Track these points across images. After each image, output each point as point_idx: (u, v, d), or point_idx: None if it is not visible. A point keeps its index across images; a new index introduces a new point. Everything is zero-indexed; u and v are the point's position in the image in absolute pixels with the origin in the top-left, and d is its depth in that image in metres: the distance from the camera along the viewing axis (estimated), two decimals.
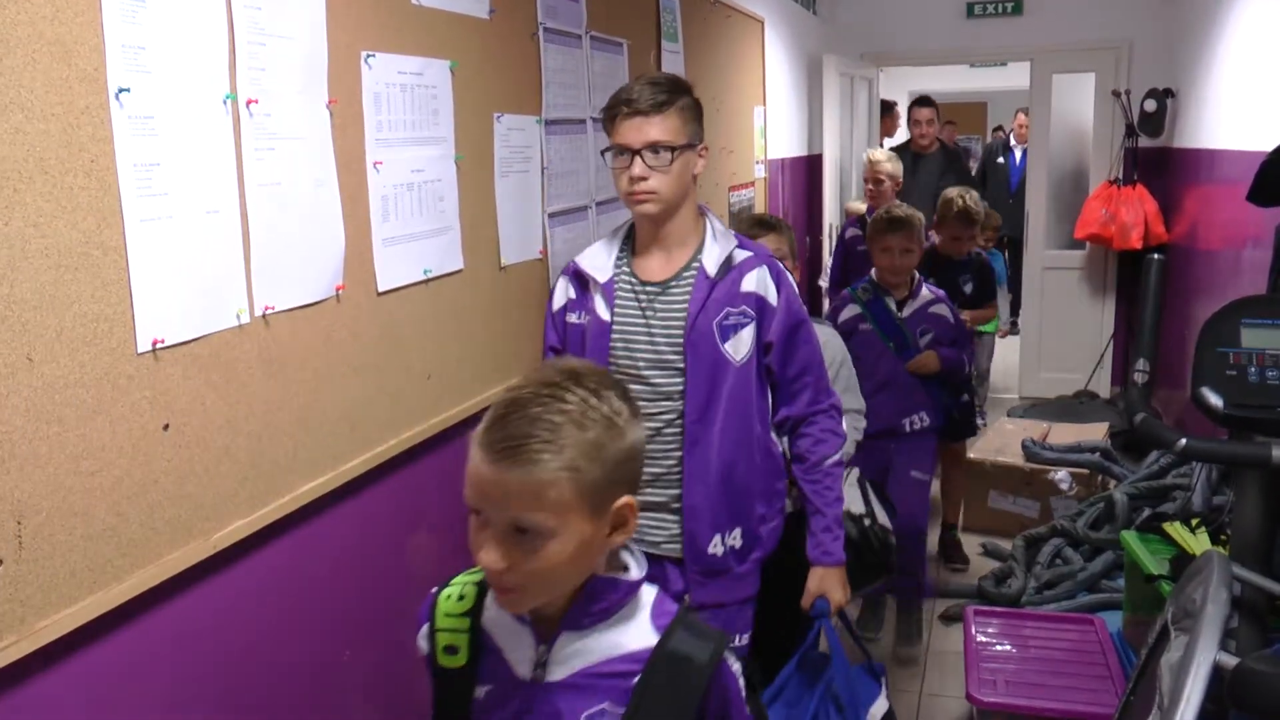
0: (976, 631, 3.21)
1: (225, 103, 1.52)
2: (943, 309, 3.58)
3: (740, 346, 1.99)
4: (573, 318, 2.06)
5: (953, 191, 4.68)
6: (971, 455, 4.60)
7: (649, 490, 2.02)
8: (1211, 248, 5.10)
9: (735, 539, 2.05)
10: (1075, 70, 6.77)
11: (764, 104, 5.14)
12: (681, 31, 3.70)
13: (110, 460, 1.36)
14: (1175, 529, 3.18)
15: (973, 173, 8.95)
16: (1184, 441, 2.13)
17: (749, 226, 2.92)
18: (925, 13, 6.79)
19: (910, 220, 3.56)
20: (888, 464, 3.52)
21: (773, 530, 2.11)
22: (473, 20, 2.23)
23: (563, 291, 2.10)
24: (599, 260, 2.05)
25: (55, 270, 1.28)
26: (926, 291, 3.59)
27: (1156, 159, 6.19)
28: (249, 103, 1.56)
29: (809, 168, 6.42)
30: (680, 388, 1.98)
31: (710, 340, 1.96)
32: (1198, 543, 3.05)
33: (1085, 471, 4.52)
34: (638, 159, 1.91)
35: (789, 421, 2.09)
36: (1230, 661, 1.75)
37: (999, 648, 3.15)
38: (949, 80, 11.50)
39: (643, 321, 2.00)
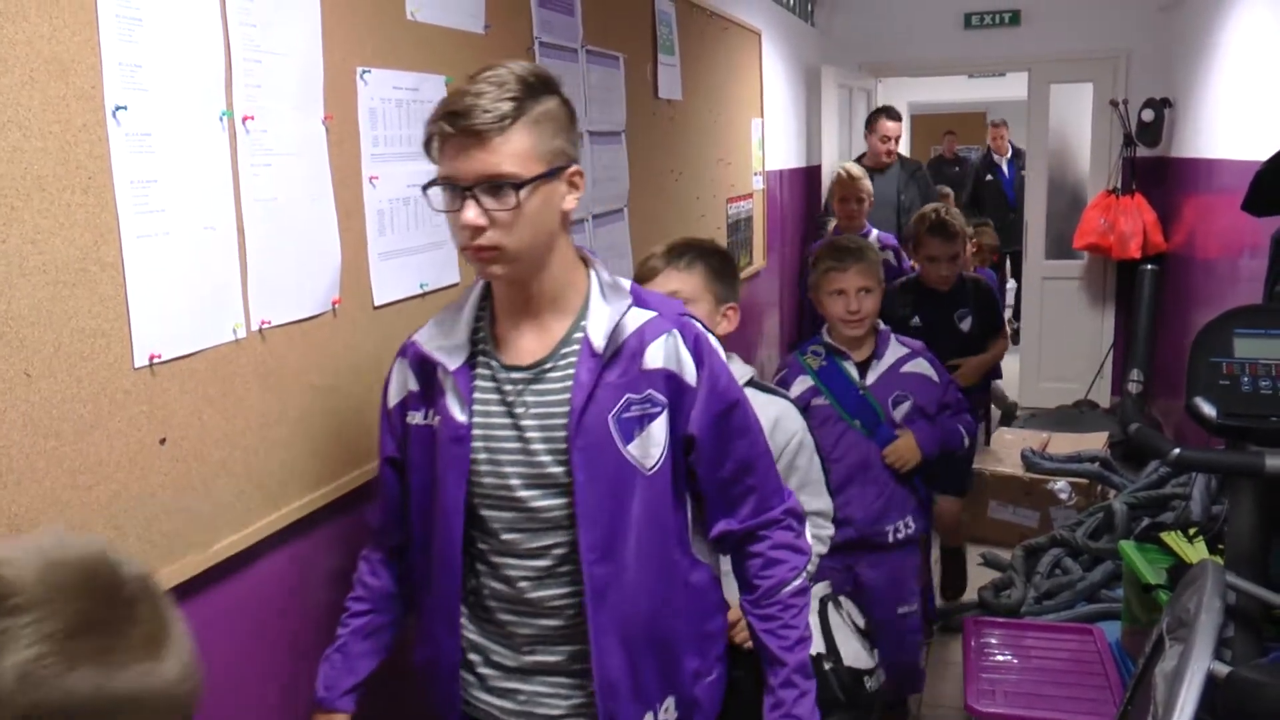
0: (976, 641, 3.22)
1: (221, 119, 1.54)
2: (922, 365, 2.85)
3: (650, 447, 1.48)
4: (415, 418, 1.55)
5: (928, 206, 4.33)
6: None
7: (538, 649, 1.55)
8: (1209, 257, 5.12)
9: (669, 712, 1.57)
10: (1073, 80, 6.81)
11: (762, 116, 5.16)
12: (678, 44, 3.72)
13: (107, 474, 1.38)
14: (1173, 538, 3.19)
15: (964, 187, 8.96)
16: (1177, 451, 2.15)
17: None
18: (923, 24, 6.82)
19: (863, 251, 2.82)
20: (861, 585, 2.83)
21: (712, 686, 1.63)
22: (468, 35, 2.25)
23: (399, 382, 1.57)
24: (448, 338, 1.52)
25: (53, 286, 1.29)
26: (897, 345, 2.86)
27: (1154, 168, 6.22)
28: (245, 119, 1.58)
29: (807, 179, 6.44)
30: (569, 511, 1.47)
31: (606, 442, 1.45)
32: (1195, 552, 3.06)
33: (1085, 481, 4.53)
34: (471, 201, 1.37)
35: (729, 539, 1.59)
36: (1223, 670, 1.76)
37: (998, 658, 3.16)
38: (947, 91, 11.55)
39: (510, 422, 1.48)
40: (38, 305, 1.27)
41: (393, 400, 1.58)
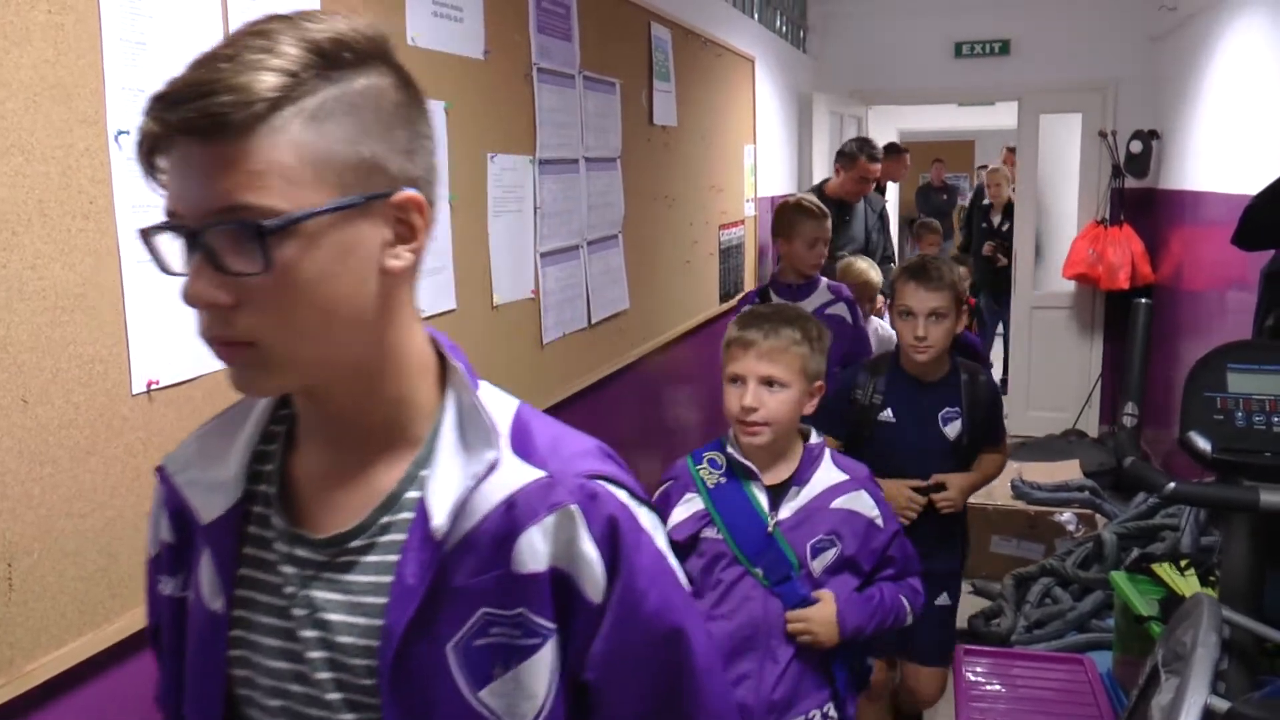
0: (966, 670, 3.21)
1: None
2: (861, 501, 1.99)
3: (520, 699, 0.89)
4: (165, 585, 0.98)
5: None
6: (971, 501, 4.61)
7: None
8: (1197, 289, 5.15)
9: None
10: (1062, 110, 6.86)
11: (754, 142, 5.18)
12: (673, 71, 3.74)
13: (103, 501, 1.36)
14: (1164, 570, 3.20)
15: (954, 218, 8.84)
16: (1172, 485, 2.15)
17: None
18: (914, 52, 6.88)
19: (797, 318, 2.04)
20: None
21: None
22: (468, 61, 2.25)
23: (154, 525, 1.00)
24: (209, 467, 0.94)
25: (52, 312, 1.28)
26: (830, 468, 2.01)
27: (1142, 200, 6.27)
28: None
29: None
30: None
31: (443, 688, 0.87)
32: (1187, 584, 3.07)
33: (1089, 512, 4.54)
34: (200, 257, 0.79)
35: None
36: (1221, 705, 1.76)
37: (988, 687, 3.15)
38: (937, 119, 11.64)
39: (287, 628, 0.90)
40: (36, 331, 1.26)
41: (150, 550, 1.01)
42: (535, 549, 0.86)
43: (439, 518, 0.85)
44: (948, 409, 2.71)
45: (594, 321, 2.97)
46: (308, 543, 0.90)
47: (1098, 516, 4.53)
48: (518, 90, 2.51)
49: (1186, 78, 5.40)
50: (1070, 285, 6.74)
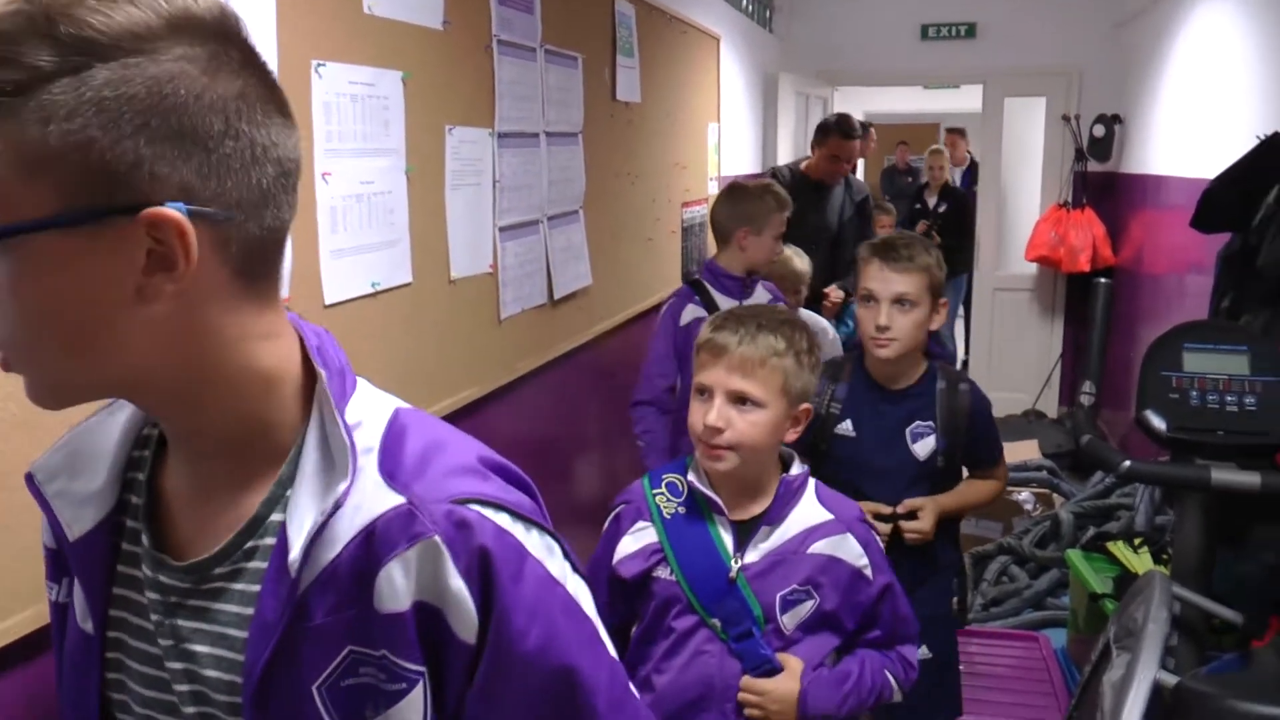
0: None
1: None
2: (846, 546, 1.68)
3: None
4: (51, 591, 0.93)
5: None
6: None
7: None
8: (1157, 271, 5.20)
9: None
10: (1026, 94, 6.90)
11: (718, 120, 5.17)
12: (637, 46, 3.71)
13: None
14: (1119, 548, 3.24)
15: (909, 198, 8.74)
16: (1127, 464, 2.18)
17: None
18: (880, 34, 6.89)
19: (784, 323, 1.72)
20: None
21: None
22: (426, 31, 2.22)
23: (46, 528, 0.91)
24: (77, 475, 0.87)
25: None
26: (811, 504, 1.70)
27: (1105, 183, 6.32)
28: None
29: None
30: None
31: None
32: (1140, 562, 3.11)
33: (1047, 491, 4.58)
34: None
35: None
36: (1170, 680, 1.78)
37: None
38: (903, 101, 11.66)
39: (155, 656, 0.84)
40: None
41: (45, 544, 0.94)
42: (395, 586, 0.77)
43: (294, 550, 0.77)
44: (919, 423, 2.26)
45: (556, 298, 2.95)
46: (170, 568, 0.83)
47: (1055, 496, 4.58)
48: (477, 62, 2.48)
49: (1149, 63, 5.44)
50: (1032, 268, 6.80)
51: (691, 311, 3.00)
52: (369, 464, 0.80)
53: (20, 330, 0.71)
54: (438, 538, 0.78)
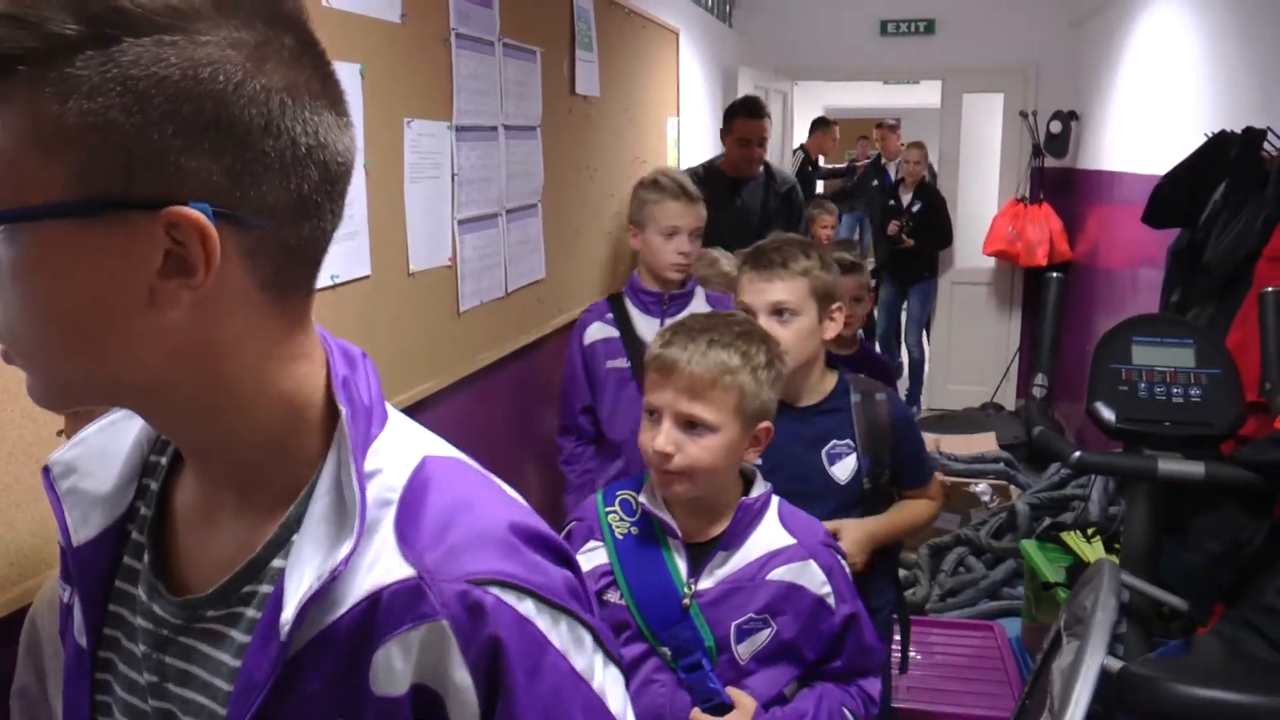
0: None
1: None
2: (808, 574, 1.58)
3: None
4: (63, 592, 0.85)
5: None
6: None
7: None
8: (1111, 266, 5.30)
9: None
10: (984, 90, 6.99)
11: (678, 115, 5.19)
12: (596, 40, 3.73)
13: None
14: (1072, 538, 3.31)
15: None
16: (1078, 454, 2.23)
17: None
18: (840, 29, 6.94)
19: (741, 335, 1.60)
20: None
21: None
22: (383, 24, 2.23)
23: (61, 525, 0.83)
24: (91, 476, 0.81)
25: None
26: (773, 526, 1.61)
27: (1061, 179, 6.42)
28: None
29: None
30: None
31: None
32: (1093, 551, 3.18)
33: (1003, 483, 4.66)
34: None
35: None
36: (1116, 665, 1.83)
37: None
38: (863, 96, 11.75)
39: (141, 688, 0.78)
40: None
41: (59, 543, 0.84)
42: (393, 669, 0.69)
43: (286, 609, 0.68)
44: (836, 442, 2.04)
45: (510, 290, 2.96)
46: (164, 599, 0.76)
47: (1012, 487, 4.66)
48: (435, 55, 2.48)
49: (1104, 61, 5.53)
50: (990, 262, 6.89)
51: (598, 330, 2.82)
52: (386, 520, 0.71)
53: (22, 322, 0.66)
54: (445, 622, 0.69)
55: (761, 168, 4.31)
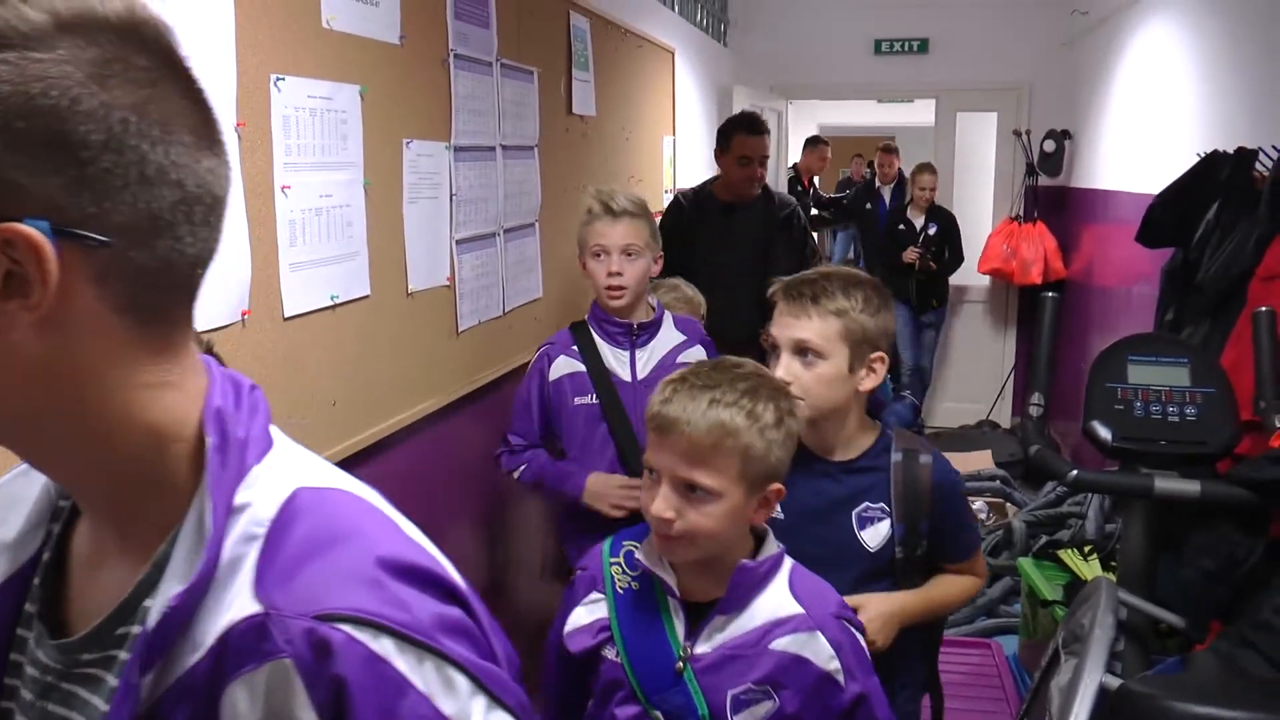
0: None
1: None
2: (814, 645, 1.48)
3: None
4: None
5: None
6: None
7: None
8: (1106, 284, 5.34)
9: None
10: (978, 109, 7.04)
11: (674, 133, 5.23)
12: (593, 60, 3.76)
13: None
14: (1069, 556, 3.32)
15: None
16: (1074, 473, 2.25)
17: None
18: (834, 48, 7.00)
19: (751, 390, 1.48)
20: None
21: None
22: (383, 45, 2.25)
23: None
24: (12, 507, 0.80)
25: None
26: (780, 592, 1.51)
27: (1055, 197, 6.47)
28: None
29: None
30: None
31: None
32: (1090, 569, 3.19)
33: (1000, 501, 4.68)
34: None
35: None
36: (1114, 683, 1.85)
37: None
38: (857, 115, 11.81)
39: None
40: None
41: None
42: (238, 712, 0.67)
43: (126, 652, 0.68)
44: (869, 505, 1.82)
45: (507, 309, 2.98)
46: (46, 644, 0.74)
47: (1008, 505, 4.68)
48: (434, 76, 2.51)
49: (1097, 80, 5.58)
50: (985, 280, 6.93)
51: (564, 365, 2.60)
52: (250, 556, 0.69)
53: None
54: (289, 661, 0.66)
55: (759, 190, 3.98)
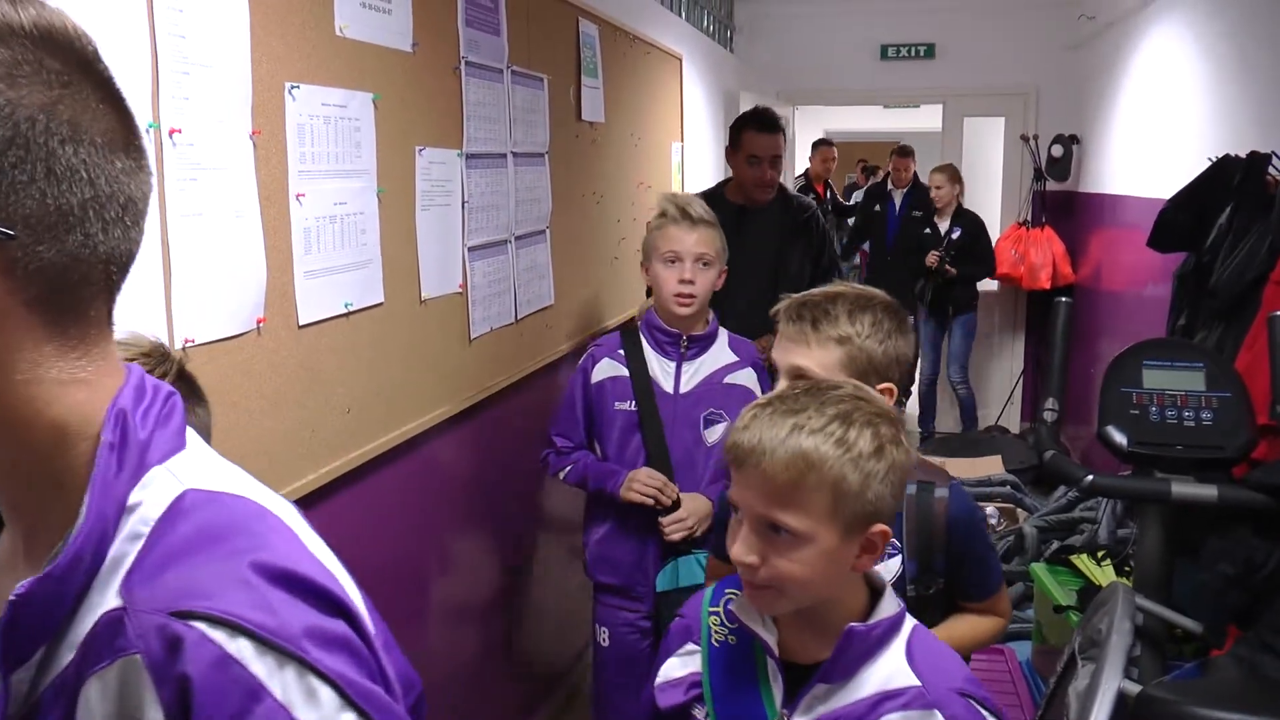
0: None
1: (148, 132, 1.52)
2: None
3: None
4: None
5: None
6: None
7: None
8: (1115, 289, 5.33)
9: None
10: (985, 114, 7.05)
11: (682, 140, 5.24)
12: (601, 67, 3.76)
13: None
14: (1082, 561, 3.31)
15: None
16: (1090, 478, 2.25)
17: None
18: (840, 54, 7.01)
19: (843, 414, 1.29)
20: None
21: None
22: (396, 53, 2.26)
23: None
24: None
25: None
26: (895, 659, 1.29)
27: (1063, 202, 6.46)
28: (172, 132, 1.57)
29: None
30: None
31: None
32: (1103, 574, 3.18)
33: (1010, 506, 4.67)
34: None
35: None
36: (1134, 689, 1.84)
37: None
38: (863, 120, 11.83)
39: None
40: None
41: None
42: (92, 710, 0.65)
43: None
44: None
45: (520, 317, 2.98)
46: None
47: (1019, 510, 4.67)
48: (446, 83, 2.52)
49: (1105, 84, 5.58)
50: (993, 285, 6.92)
51: (608, 367, 2.61)
52: (131, 554, 0.69)
53: None
54: (139, 656, 0.64)
55: (775, 193, 3.69)
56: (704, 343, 2.59)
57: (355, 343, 2.10)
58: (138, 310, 1.52)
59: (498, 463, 2.91)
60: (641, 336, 2.61)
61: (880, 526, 1.26)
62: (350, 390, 2.08)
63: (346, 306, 2.06)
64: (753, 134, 3.61)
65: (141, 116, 1.52)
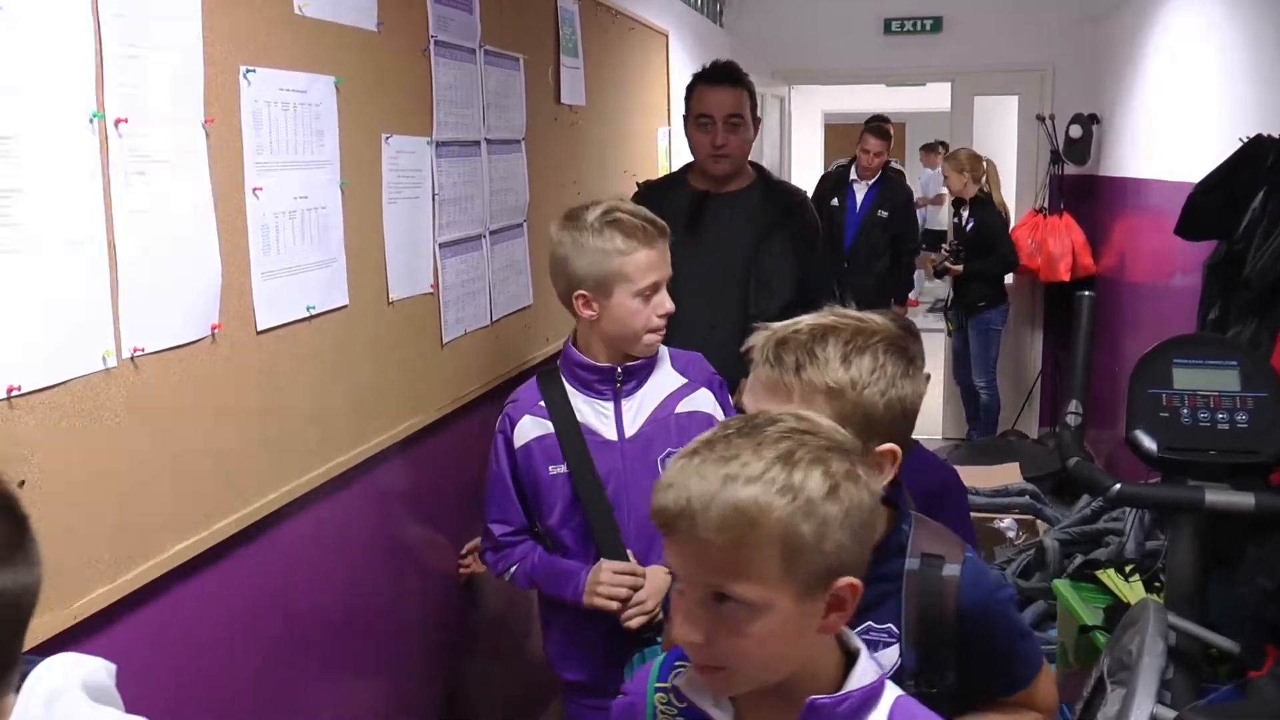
0: None
1: (92, 122, 1.52)
2: None
3: None
4: None
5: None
6: None
7: None
8: (1140, 280, 5.35)
9: None
10: (997, 93, 7.07)
11: (669, 124, 5.24)
12: (582, 45, 3.77)
13: None
14: (1109, 576, 3.33)
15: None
16: (1118, 487, 2.26)
17: None
18: (840, 28, 7.00)
19: (791, 453, 1.11)
20: None
21: None
22: (360, 33, 2.26)
23: None
24: None
25: None
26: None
27: (1083, 187, 6.48)
28: (118, 122, 1.56)
29: None
30: None
31: None
32: (1132, 591, 3.19)
33: (1030, 518, 4.67)
34: None
35: None
36: (1168, 715, 1.85)
37: None
38: (865, 100, 11.84)
39: None
40: None
41: None
42: None
43: None
44: (871, 625, 1.49)
45: (496, 318, 2.98)
46: None
47: (1039, 522, 4.68)
48: (414, 65, 2.52)
49: (1126, 59, 5.60)
50: (1009, 276, 6.94)
51: (531, 426, 2.27)
52: None
53: None
54: None
55: (737, 168, 3.24)
56: (641, 373, 2.26)
57: (319, 349, 2.10)
58: (81, 319, 1.52)
59: (474, 478, 2.91)
60: (564, 381, 2.28)
61: (848, 580, 1.12)
62: (314, 401, 2.08)
63: (309, 310, 2.06)
64: (702, 89, 3.20)
65: (84, 105, 1.52)
